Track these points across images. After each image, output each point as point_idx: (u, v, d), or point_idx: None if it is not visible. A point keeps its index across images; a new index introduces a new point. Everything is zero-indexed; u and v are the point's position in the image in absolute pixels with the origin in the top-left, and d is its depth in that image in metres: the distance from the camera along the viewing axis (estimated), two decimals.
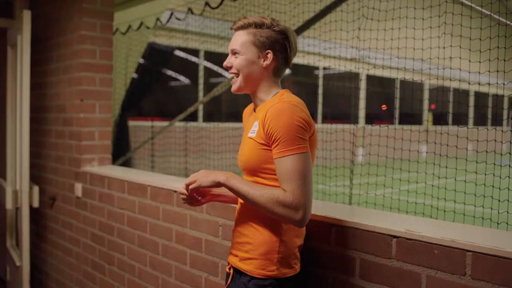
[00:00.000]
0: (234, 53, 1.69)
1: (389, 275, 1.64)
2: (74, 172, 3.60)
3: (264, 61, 1.67)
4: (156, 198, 2.78)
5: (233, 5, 4.91)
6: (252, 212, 1.67)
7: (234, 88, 1.72)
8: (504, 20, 2.70)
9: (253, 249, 1.66)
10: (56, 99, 3.85)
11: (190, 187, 1.67)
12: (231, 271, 1.75)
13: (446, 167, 3.58)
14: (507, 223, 2.52)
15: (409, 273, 1.59)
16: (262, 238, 1.65)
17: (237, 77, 1.70)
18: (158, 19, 4.98)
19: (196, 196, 1.81)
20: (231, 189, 1.62)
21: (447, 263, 1.51)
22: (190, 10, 4.45)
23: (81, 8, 3.49)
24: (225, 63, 1.72)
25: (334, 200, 3.72)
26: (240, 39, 1.68)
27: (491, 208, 2.72)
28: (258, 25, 1.66)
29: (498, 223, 2.59)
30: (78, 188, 3.53)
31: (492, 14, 2.73)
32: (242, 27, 1.69)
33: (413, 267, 1.59)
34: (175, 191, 2.64)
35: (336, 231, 1.79)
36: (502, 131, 3.64)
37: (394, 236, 1.63)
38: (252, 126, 1.68)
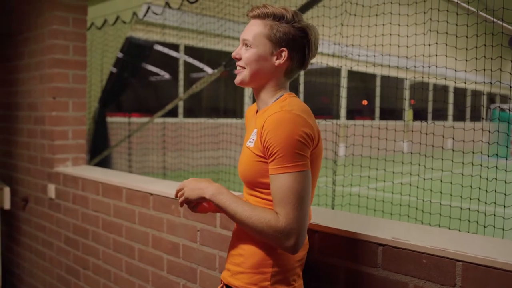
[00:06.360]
0: (245, 43, 1.51)
1: (375, 285, 1.57)
2: (47, 173, 3.46)
3: (277, 59, 1.49)
4: (132, 200, 2.66)
5: None
6: None
7: (237, 80, 1.54)
8: (487, 17, 2.65)
9: (244, 261, 1.50)
10: (27, 97, 3.69)
11: (179, 201, 1.54)
12: None
13: (432, 168, 3.52)
14: (494, 226, 2.46)
15: (396, 283, 1.52)
16: (254, 249, 1.49)
17: (243, 69, 1.52)
18: (134, 13, 4.84)
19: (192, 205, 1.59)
20: (217, 206, 1.46)
21: (436, 273, 1.43)
22: (167, 4, 4.32)
23: (52, 1, 3.34)
24: (234, 54, 1.54)
25: (316, 201, 3.63)
26: (254, 30, 1.49)
27: (478, 211, 2.65)
28: (277, 18, 1.47)
29: (485, 226, 2.53)
30: (51, 189, 3.39)
31: (471, 10, 2.67)
32: (259, 16, 1.50)
33: (400, 277, 1.51)
34: (151, 194, 2.53)
35: (319, 238, 1.70)
36: (482, 129, 3.58)
37: (380, 244, 1.55)
38: (251, 134, 1.50)
